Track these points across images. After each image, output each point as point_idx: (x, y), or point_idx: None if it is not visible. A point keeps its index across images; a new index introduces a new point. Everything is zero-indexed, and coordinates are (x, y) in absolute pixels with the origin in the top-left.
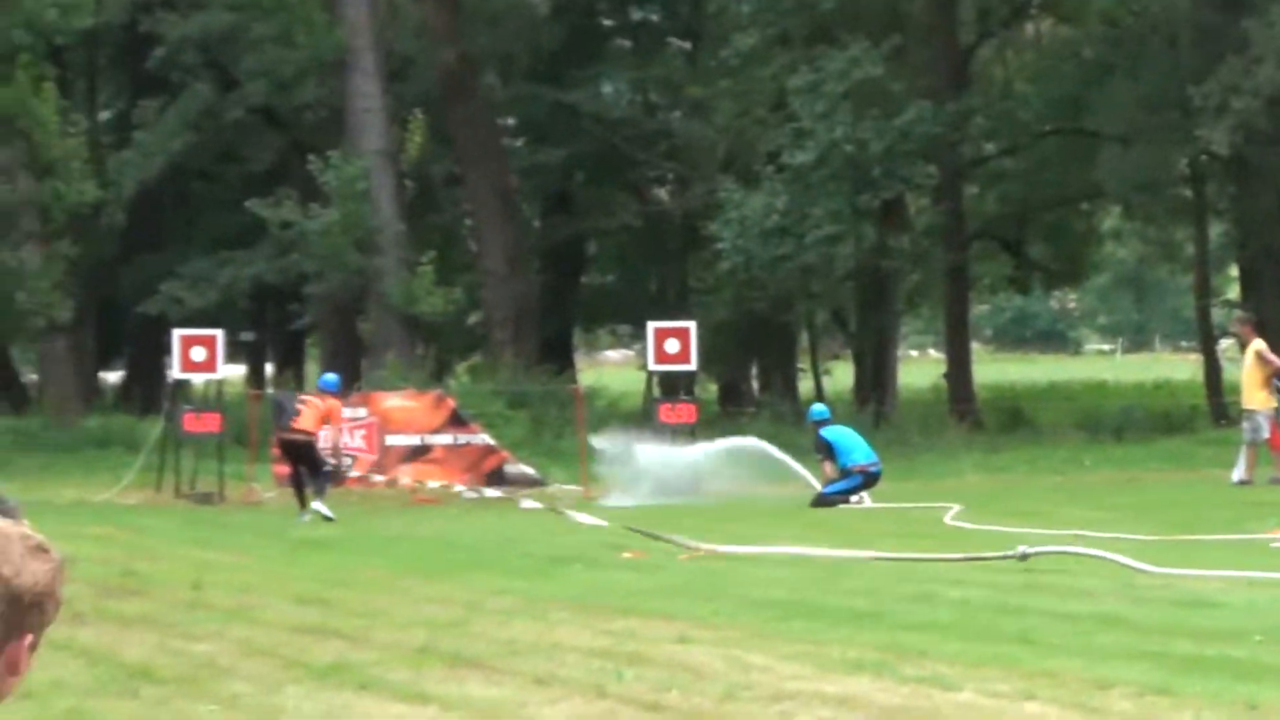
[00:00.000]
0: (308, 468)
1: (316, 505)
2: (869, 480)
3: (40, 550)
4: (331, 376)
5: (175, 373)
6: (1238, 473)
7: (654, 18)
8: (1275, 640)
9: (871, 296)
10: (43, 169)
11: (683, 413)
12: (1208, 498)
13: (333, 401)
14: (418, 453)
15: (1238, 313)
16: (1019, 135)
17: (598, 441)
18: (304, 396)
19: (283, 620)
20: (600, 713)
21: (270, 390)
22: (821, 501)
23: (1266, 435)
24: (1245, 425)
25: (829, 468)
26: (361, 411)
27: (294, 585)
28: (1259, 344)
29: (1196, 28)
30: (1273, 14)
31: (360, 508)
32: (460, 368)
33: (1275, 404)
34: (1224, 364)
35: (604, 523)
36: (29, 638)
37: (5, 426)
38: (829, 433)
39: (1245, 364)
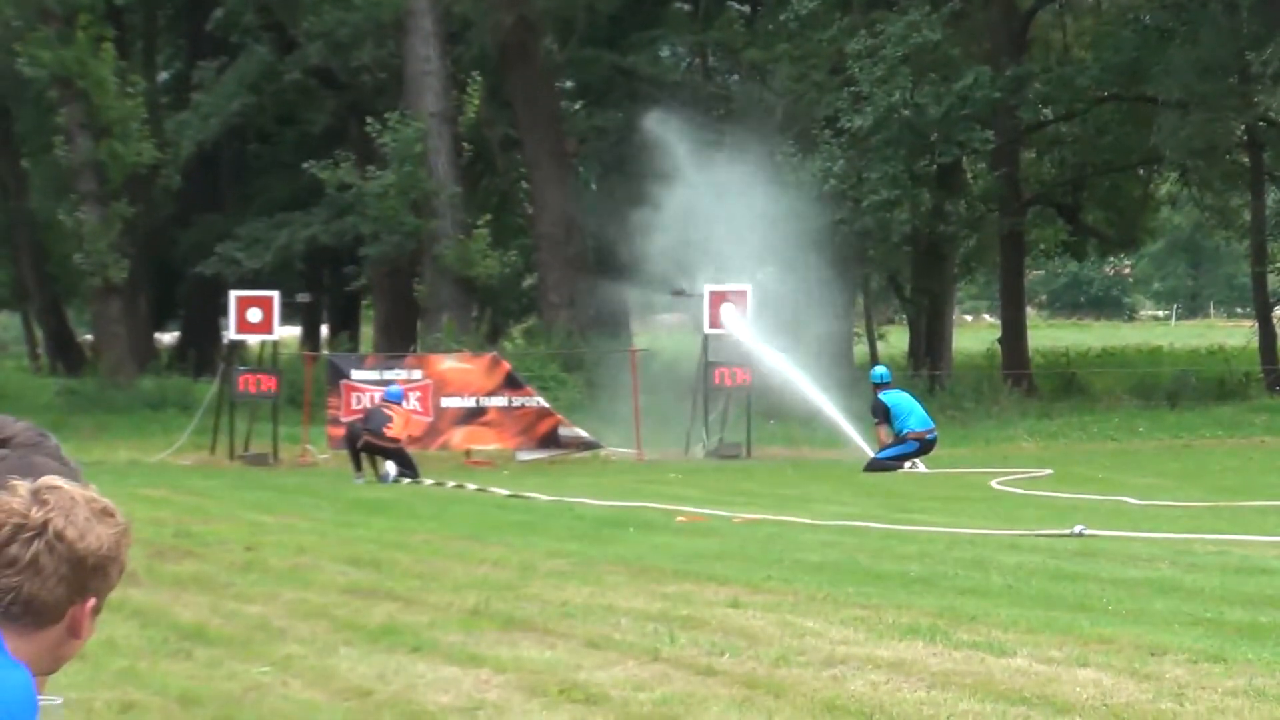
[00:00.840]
0: (395, 461)
1: (393, 472)
2: (924, 447)
3: (106, 514)
4: (397, 388)
5: (231, 334)
6: None
7: None
8: None
9: (927, 261)
10: (101, 129)
11: (738, 376)
12: (1261, 464)
13: (404, 409)
14: (472, 415)
15: None
16: (1076, 101)
17: None
18: (389, 404)
19: (336, 582)
20: (653, 676)
21: (326, 352)
22: (874, 466)
23: None
24: None
25: (884, 432)
26: (417, 374)
27: (347, 547)
28: None
29: None
30: None
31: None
32: (515, 330)
33: None
34: (1279, 330)
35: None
36: (92, 601)
37: (61, 387)
38: (888, 396)
39: None
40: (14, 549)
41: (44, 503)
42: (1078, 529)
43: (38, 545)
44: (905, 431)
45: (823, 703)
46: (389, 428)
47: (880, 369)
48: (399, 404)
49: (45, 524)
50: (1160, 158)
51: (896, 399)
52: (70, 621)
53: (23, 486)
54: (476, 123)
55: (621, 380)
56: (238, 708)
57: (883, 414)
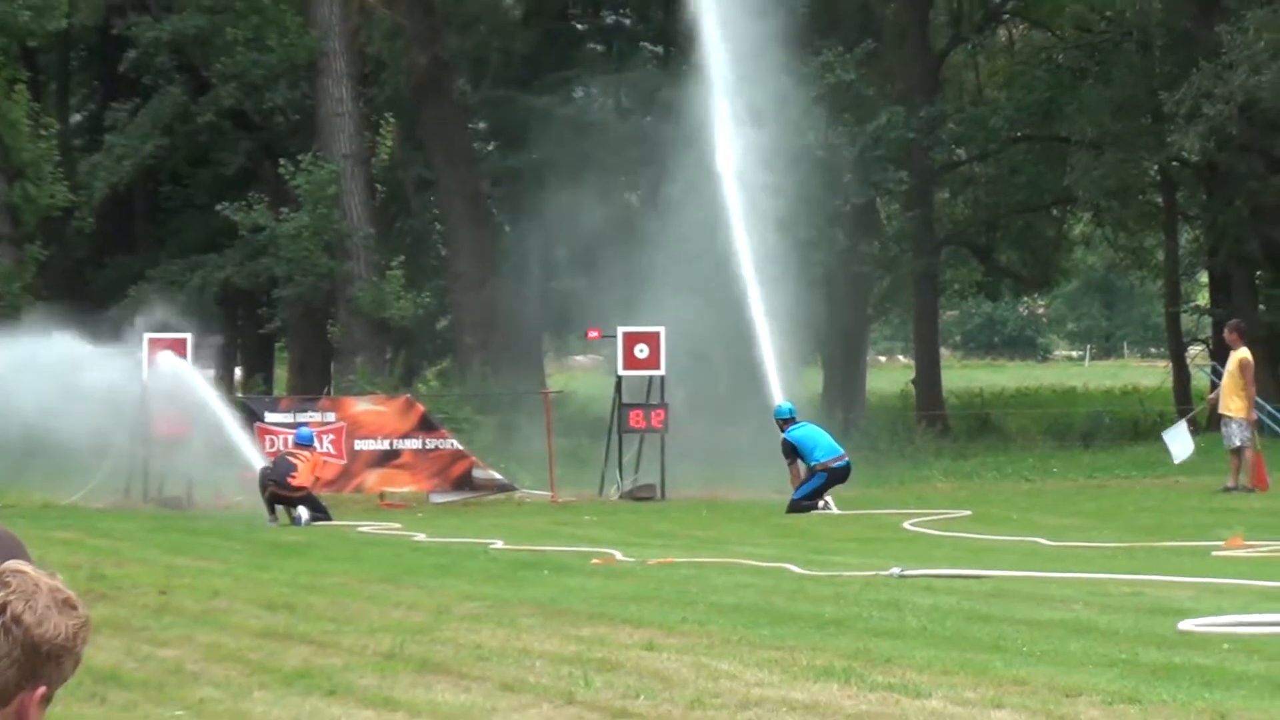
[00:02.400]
0: (306, 507)
1: (305, 515)
2: (834, 475)
3: (68, 605)
4: (307, 430)
5: (144, 377)
6: (1229, 480)
7: (627, 22)
8: (1243, 648)
9: (842, 301)
10: (14, 171)
11: (653, 418)
12: (1176, 504)
13: (314, 452)
14: (387, 457)
15: (1233, 320)
16: (990, 141)
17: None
18: (294, 451)
19: (250, 625)
20: (568, 719)
21: (239, 394)
22: (794, 508)
23: (1239, 443)
24: (1224, 431)
25: (796, 470)
26: (330, 416)
27: (262, 590)
28: (1244, 353)
29: (1169, 33)
30: (1246, 20)
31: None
32: (429, 373)
33: (1253, 414)
34: (1192, 371)
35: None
36: (42, 689)
37: None
38: (793, 432)
39: (1227, 369)
40: None
41: (6, 585)
42: (895, 570)
43: None
44: (814, 464)
45: None
46: (293, 477)
47: (784, 404)
48: (310, 446)
49: (4, 606)
50: (1074, 198)
51: (801, 433)
52: (18, 707)
53: None
54: (390, 164)
55: (535, 422)
56: None
57: (791, 453)
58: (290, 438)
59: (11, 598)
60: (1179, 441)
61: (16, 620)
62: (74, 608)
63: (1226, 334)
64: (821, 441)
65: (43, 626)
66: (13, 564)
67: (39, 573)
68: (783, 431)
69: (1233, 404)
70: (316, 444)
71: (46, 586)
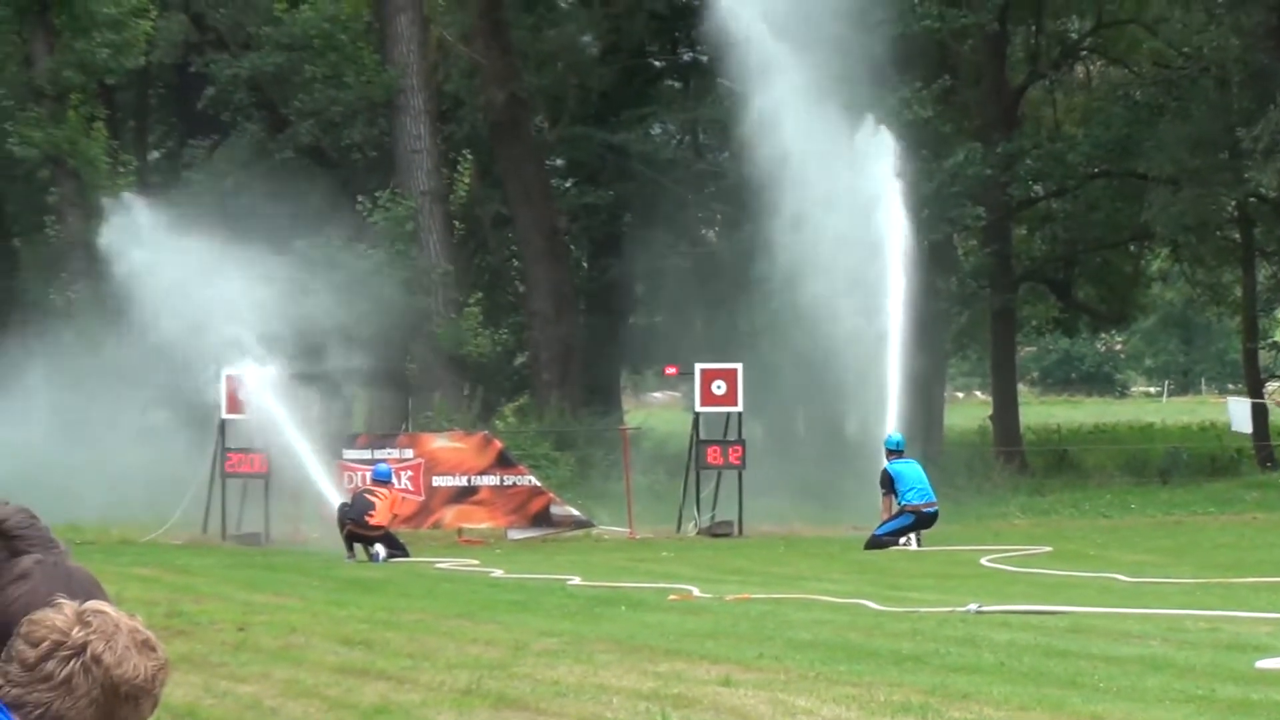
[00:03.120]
0: (383, 544)
1: (383, 553)
2: (921, 520)
3: (147, 646)
4: (385, 467)
5: (222, 413)
6: None
7: (704, 58)
8: None
9: (919, 338)
10: (92, 208)
11: (730, 454)
12: (1253, 540)
13: (392, 489)
14: (464, 494)
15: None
16: (1068, 177)
17: None
18: (372, 488)
19: (328, 661)
20: None
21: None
22: (874, 544)
23: None
24: None
25: (888, 503)
26: (409, 453)
27: (340, 626)
28: None
29: (1247, 70)
30: None
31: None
32: (507, 409)
33: None
34: (1271, 407)
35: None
36: None
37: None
38: (895, 465)
39: None
40: (50, 664)
41: (87, 624)
42: (972, 607)
43: (74, 665)
44: (904, 504)
45: None
46: (371, 515)
47: (894, 435)
48: (388, 482)
49: (84, 645)
50: (1152, 233)
51: (903, 469)
52: None
53: (69, 606)
54: (468, 201)
55: (613, 458)
56: None
57: (888, 484)
58: (369, 474)
59: (92, 637)
60: (1240, 414)
61: (96, 660)
62: (153, 649)
63: None
64: (918, 484)
65: (122, 667)
66: (93, 604)
67: (119, 613)
68: (887, 460)
69: None
70: (395, 480)
71: (126, 627)
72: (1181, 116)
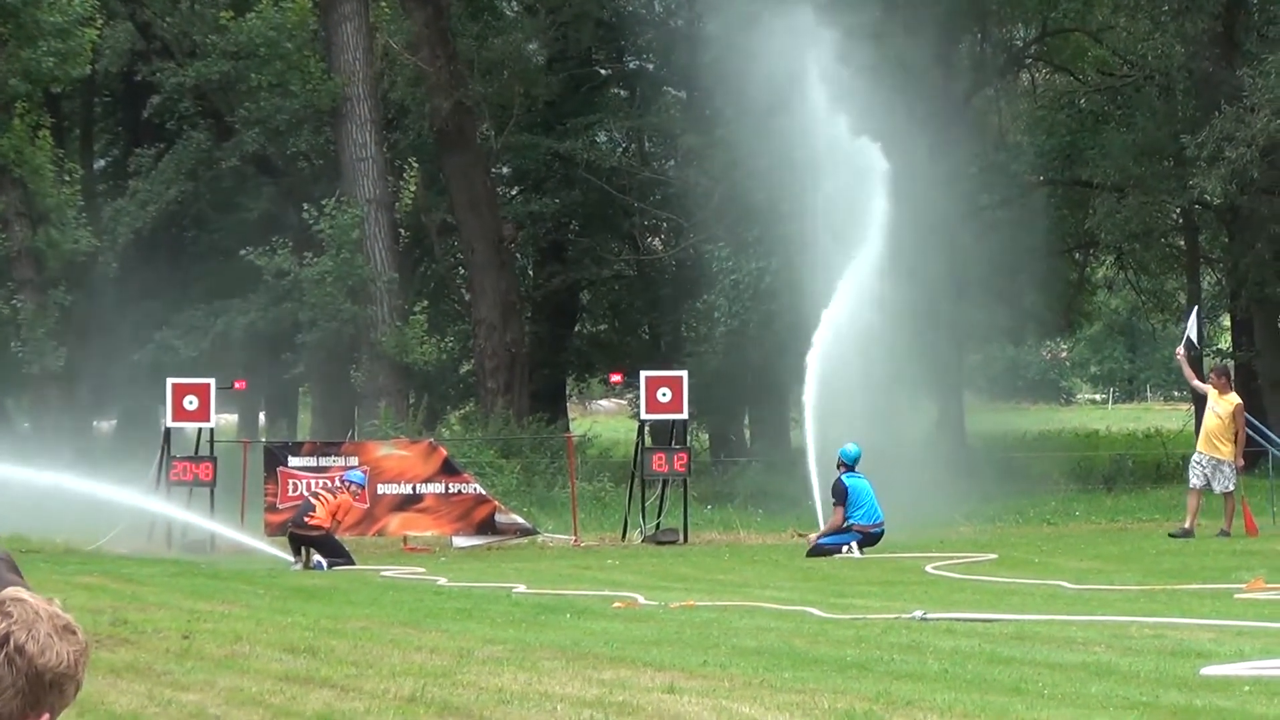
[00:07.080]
0: (322, 553)
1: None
2: (867, 539)
3: (68, 631)
4: (359, 473)
5: (167, 421)
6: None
7: (650, 66)
8: (1264, 691)
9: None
10: (38, 217)
11: (675, 462)
12: (1197, 548)
13: (340, 494)
14: (409, 501)
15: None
16: (1012, 185)
17: None
18: (319, 492)
19: (272, 669)
20: None
21: (262, 439)
22: (817, 550)
23: (1231, 488)
24: (1215, 475)
25: (840, 514)
26: (354, 460)
27: (284, 634)
28: (1237, 399)
29: (1191, 77)
30: (1268, 64)
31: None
32: (452, 417)
33: (1240, 459)
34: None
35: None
36: (45, 717)
37: None
38: (849, 479)
39: (1222, 414)
40: None
41: (8, 615)
42: (917, 614)
43: None
44: (851, 522)
45: None
46: (310, 516)
47: (851, 448)
48: (361, 486)
49: (6, 637)
50: (1096, 241)
51: (856, 484)
52: None
53: None
54: (414, 209)
55: (558, 466)
56: None
57: (841, 496)
58: (314, 482)
59: (14, 628)
60: (1193, 328)
61: (20, 651)
62: (74, 633)
63: (1214, 378)
64: (866, 503)
65: (45, 655)
66: (12, 592)
67: (38, 599)
68: (840, 473)
69: (1225, 448)
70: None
71: (46, 614)
72: (1126, 124)
